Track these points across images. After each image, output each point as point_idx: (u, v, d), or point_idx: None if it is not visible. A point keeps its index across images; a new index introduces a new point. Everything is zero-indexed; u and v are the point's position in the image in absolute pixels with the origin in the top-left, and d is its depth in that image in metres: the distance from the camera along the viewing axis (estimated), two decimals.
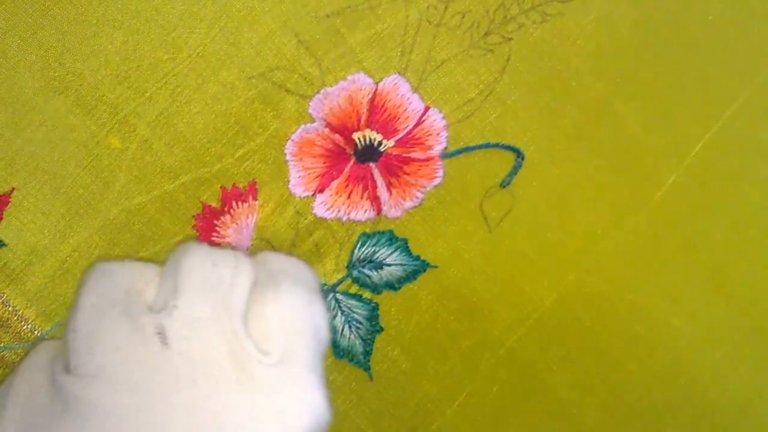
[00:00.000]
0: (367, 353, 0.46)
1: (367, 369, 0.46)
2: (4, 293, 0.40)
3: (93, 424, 0.28)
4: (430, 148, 0.43)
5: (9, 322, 0.40)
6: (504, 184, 0.44)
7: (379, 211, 0.44)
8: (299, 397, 0.30)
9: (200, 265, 0.32)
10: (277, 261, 0.36)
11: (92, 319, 0.31)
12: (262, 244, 0.43)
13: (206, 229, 0.42)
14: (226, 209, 0.42)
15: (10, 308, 0.40)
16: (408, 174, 0.43)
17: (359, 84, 0.41)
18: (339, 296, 0.45)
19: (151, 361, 0.29)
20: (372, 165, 0.43)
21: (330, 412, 0.31)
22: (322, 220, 0.43)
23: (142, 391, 0.29)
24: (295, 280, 0.34)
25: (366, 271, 0.45)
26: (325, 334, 0.34)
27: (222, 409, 0.29)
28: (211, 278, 0.32)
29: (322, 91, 0.41)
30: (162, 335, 0.30)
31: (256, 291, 0.33)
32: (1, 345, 0.40)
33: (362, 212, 0.43)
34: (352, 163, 0.43)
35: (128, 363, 0.29)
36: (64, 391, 0.29)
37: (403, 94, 0.42)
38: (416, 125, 0.43)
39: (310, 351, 0.32)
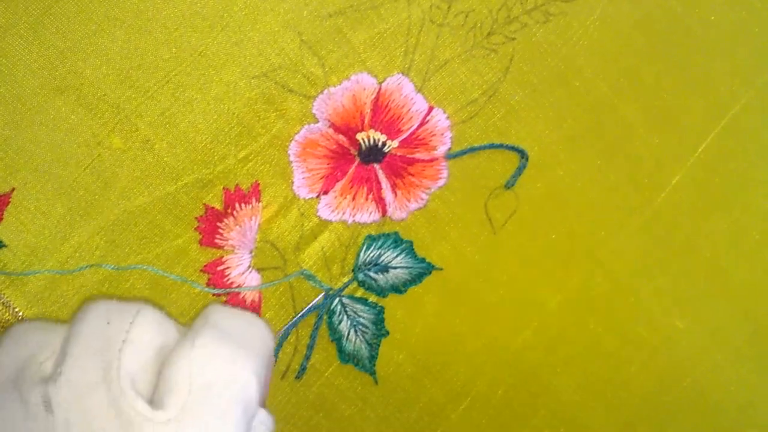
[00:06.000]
0: (373, 357, 0.45)
1: (373, 373, 0.45)
2: (4, 294, 0.39)
3: None
4: (434, 148, 0.43)
5: (9, 323, 0.39)
6: (508, 185, 0.44)
7: (384, 212, 0.43)
8: None
9: (91, 327, 0.31)
10: (220, 316, 0.34)
11: None
12: (266, 247, 0.42)
13: (209, 231, 0.41)
14: (229, 211, 0.41)
15: (11, 309, 0.39)
16: (412, 175, 0.43)
17: (363, 84, 0.41)
18: (345, 300, 0.44)
19: None
20: (376, 166, 0.42)
21: None
22: (327, 222, 0.43)
23: None
24: (222, 336, 0.32)
25: (372, 274, 0.44)
26: (250, 392, 0.32)
27: None
28: (101, 339, 0.30)
29: (325, 91, 0.41)
30: (47, 403, 0.29)
31: (179, 343, 0.32)
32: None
33: (368, 214, 0.43)
34: (356, 164, 0.42)
35: None
36: None
37: (406, 95, 0.42)
38: (420, 126, 0.42)
39: (219, 409, 0.30)
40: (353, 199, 0.42)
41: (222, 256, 0.42)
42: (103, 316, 0.31)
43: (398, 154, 0.42)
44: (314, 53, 0.40)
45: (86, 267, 0.40)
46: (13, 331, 0.33)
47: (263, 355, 0.34)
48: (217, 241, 0.41)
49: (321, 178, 0.42)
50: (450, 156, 0.43)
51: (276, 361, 0.44)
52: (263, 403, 0.34)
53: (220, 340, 0.32)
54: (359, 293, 0.44)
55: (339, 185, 0.42)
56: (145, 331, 0.31)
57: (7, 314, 0.39)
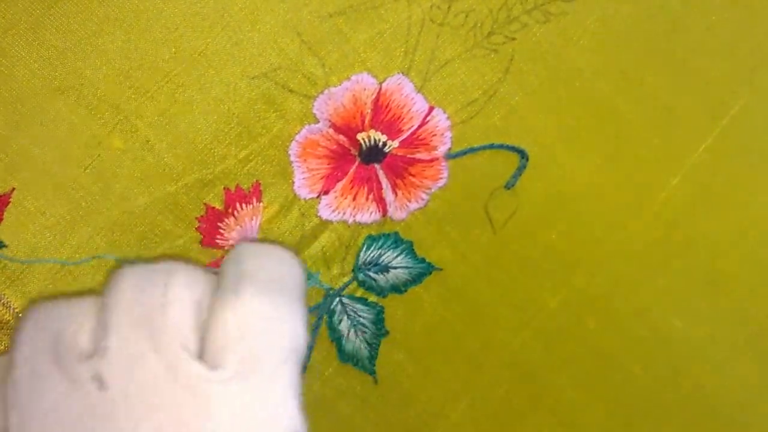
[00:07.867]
0: (373, 357, 0.45)
1: (372, 373, 0.45)
2: (4, 294, 0.39)
3: None
4: (435, 148, 0.43)
5: (9, 324, 0.39)
6: (509, 186, 0.44)
7: (384, 212, 0.43)
8: (260, 411, 0.28)
9: (126, 296, 0.30)
10: (250, 258, 0.33)
11: (27, 375, 0.29)
12: None
13: (209, 231, 0.41)
14: (229, 211, 0.41)
15: (11, 310, 0.39)
16: (413, 175, 0.43)
17: (363, 84, 0.41)
18: (344, 300, 0.44)
19: (91, 410, 0.28)
20: (377, 166, 0.42)
21: (302, 421, 0.29)
22: (328, 222, 0.43)
23: None
24: (263, 282, 0.31)
25: (372, 274, 0.44)
26: (300, 338, 0.31)
27: None
28: (140, 306, 0.29)
29: (326, 92, 0.41)
30: (98, 379, 0.28)
31: (219, 296, 0.31)
32: (1, 348, 0.40)
33: (368, 214, 0.43)
34: (356, 164, 0.42)
35: (68, 418, 0.28)
36: None
37: (407, 95, 0.42)
38: (420, 126, 0.42)
39: (275, 358, 0.30)
40: (354, 199, 0.43)
41: (223, 257, 0.42)
42: (136, 283, 0.30)
43: (399, 154, 0.42)
44: (314, 53, 0.40)
45: (89, 259, 0.40)
46: (32, 313, 0.31)
47: (301, 294, 0.33)
48: (218, 241, 0.41)
49: (321, 178, 0.42)
50: (450, 156, 0.43)
51: None
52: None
53: (262, 290, 0.31)
54: (359, 293, 0.44)
55: (339, 185, 0.42)
56: (181, 290, 0.30)
57: (7, 315, 0.39)
